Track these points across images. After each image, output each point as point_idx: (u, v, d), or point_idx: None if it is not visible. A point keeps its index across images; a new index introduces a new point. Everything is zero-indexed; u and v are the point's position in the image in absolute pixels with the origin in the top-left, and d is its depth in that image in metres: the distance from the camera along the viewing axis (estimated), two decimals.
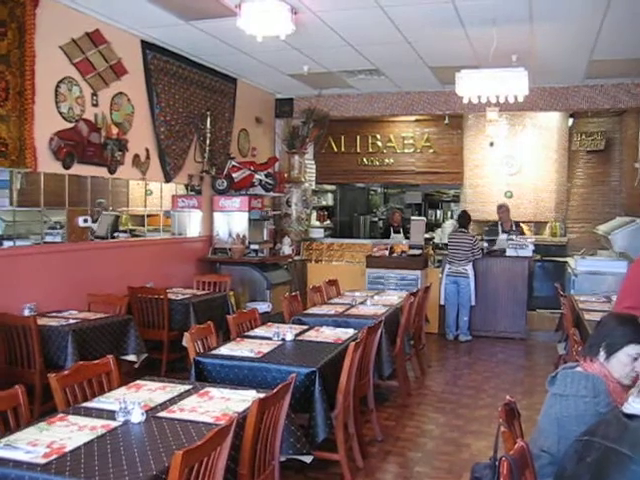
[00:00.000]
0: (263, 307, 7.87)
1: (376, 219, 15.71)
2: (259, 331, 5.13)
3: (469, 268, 8.99)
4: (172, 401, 3.28)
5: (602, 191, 12.66)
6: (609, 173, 12.73)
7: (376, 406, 5.39)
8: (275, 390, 3.08)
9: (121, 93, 6.98)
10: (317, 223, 12.20)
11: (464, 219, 9.35)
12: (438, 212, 15.99)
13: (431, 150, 12.62)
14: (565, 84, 9.54)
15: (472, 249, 8.97)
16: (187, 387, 3.55)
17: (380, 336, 5.30)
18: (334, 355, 4.39)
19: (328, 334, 5.07)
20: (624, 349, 2.64)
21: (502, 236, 9.55)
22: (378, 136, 12.85)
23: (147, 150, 7.44)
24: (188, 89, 8.16)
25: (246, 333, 5.08)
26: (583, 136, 12.63)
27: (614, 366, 2.65)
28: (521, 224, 10.49)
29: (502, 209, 10.09)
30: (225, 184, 8.70)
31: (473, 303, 9.05)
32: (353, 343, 4.22)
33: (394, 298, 7.12)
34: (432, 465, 4.82)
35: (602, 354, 2.65)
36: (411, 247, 9.55)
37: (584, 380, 2.58)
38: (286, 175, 10.13)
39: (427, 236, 10.87)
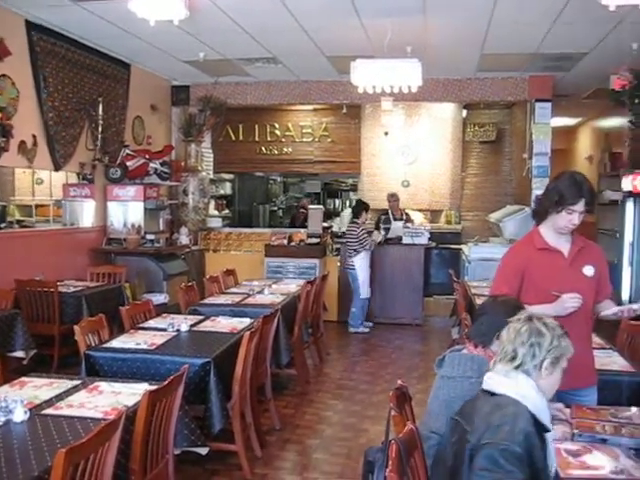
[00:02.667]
0: (160, 298, 7.71)
1: (275, 208, 15.69)
2: (153, 322, 5.02)
3: (356, 260, 8.86)
4: (59, 397, 3.15)
5: (494, 180, 13.15)
6: (500, 163, 13.24)
7: (275, 395, 5.40)
8: (166, 382, 3.01)
9: (4, 76, 6.61)
10: (215, 212, 12.04)
11: (356, 209, 9.30)
12: (337, 201, 16.15)
13: (329, 139, 12.69)
14: (458, 76, 9.81)
15: (358, 240, 8.84)
16: (76, 382, 3.42)
17: (277, 325, 5.30)
18: (230, 345, 4.35)
19: (224, 324, 5.02)
20: None
21: (396, 224, 9.72)
22: (276, 125, 12.80)
23: (34, 136, 7.08)
24: (78, 73, 7.83)
25: (140, 325, 4.95)
26: (476, 127, 13.07)
27: None
28: (408, 212, 10.75)
29: (393, 198, 10.30)
30: (119, 173, 8.44)
31: (362, 295, 8.92)
32: (248, 332, 4.19)
33: (292, 287, 7.13)
34: (330, 451, 4.87)
35: (496, 343, 2.72)
36: (309, 236, 9.60)
37: (470, 361, 2.66)
38: (183, 164, 9.95)
39: (326, 225, 10.95)
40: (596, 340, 4.52)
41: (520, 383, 2.21)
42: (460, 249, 10.38)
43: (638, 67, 7.89)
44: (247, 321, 5.08)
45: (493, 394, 2.24)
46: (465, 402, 2.37)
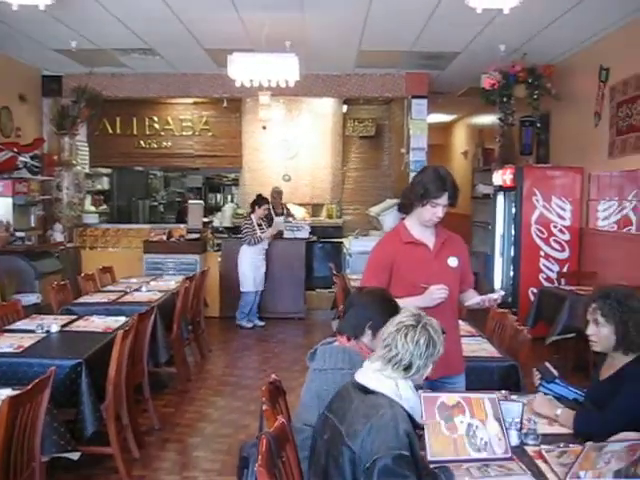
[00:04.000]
0: (31, 298, 7.33)
1: (156, 203, 15.33)
2: (21, 324, 4.79)
3: (240, 253, 8.75)
4: None
5: (374, 175, 13.42)
6: (380, 158, 13.53)
7: (154, 394, 5.28)
8: (29, 386, 2.86)
9: None
10: (92, 208, 11.61)
11: (252, 204, 9.02)
12: (219, 195, 15.97)
13: (210, 133, 12.54)
14: (338, 72, 9.93)
15: (242, 234, 8.72)
16: None
17: (154, 322, 5.18)
18: (103, 345, 4.21)
19: (98, 323, 4.86)
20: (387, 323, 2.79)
21: (278, 219, 9.73)
22: (155, 118, 12.50)
23: None
24: None
25: (6, 327, 4.70)
26: (356, 122, 13.29)
27: (379, 341, 2.78)
28: (289, 207, 10.82)
29: (276, 195, 10.33)
30: None
31: (242, 289, 8.77)
32: (121, 331, 4.07)
33: (171, 283, 7.01)
34: (211, 448, 4.82)
35: (368, 333, 2.76)
36: (189, 231, 9.45)
37: (341, 353, 2.69)
38: (55, 158, 9.52)
39: (206, 220, 10.81)
40: (467, 328, 4.72)
41: (400, 385, 2.23)
42: (341, 242, 10.52)
43: (506, 68, 8.28)
44: (123, 320, 4.94)
45: (366, 390, 2.23)
46: (334, 397, 2.37)
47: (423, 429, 2.33)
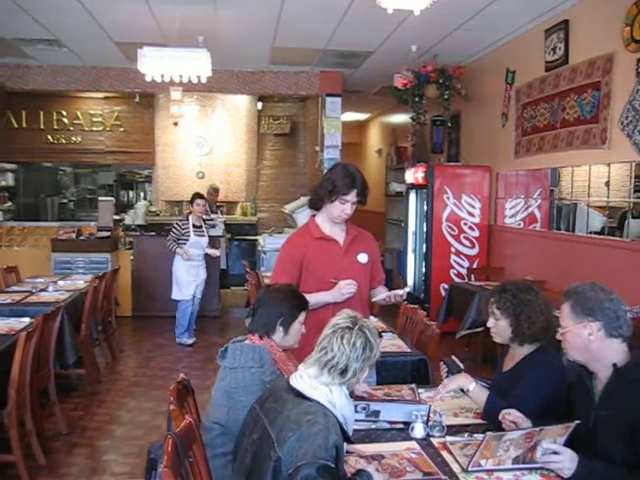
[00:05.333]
0: None
1: (66, 200, 14.86)
2: None
3: (175, 259, 7.87)
4: None
5: (289, 172, 13.45)
6: (295, 155, 13.56)
7: (62, 397, 5.13)
8: None
9: None
10: None
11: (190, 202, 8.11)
12: (131, 193, 15.63)
13: (122, 129, 12.26)
14: (252, 68, 9.87)
15: (170, 235, 7.82)
16: None
17: (61, 323, 5.01)
18: (5, 347, 4.04)
19: (0, 325, 4.66)
20: (297, 319, 2.80)
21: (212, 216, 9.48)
22: (64, 112, 12.12)
23: None
24: None
25: None
26: (271, 120, 13.28)
27: (291, 337, 2.79)
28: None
29: (213, 192, 10.22)
30: None
31: (175, 297, 7.90)
32: (25, 333, 3.92)
33: (80, 282, 6.80)
34: (121, 451, 4.70)
35: (280, 330, 2.76)
36: (100, 229, 9.19)
37: (251, 352, 2.67)
38: None
39: (118, 217, 10.56)
40: (378, 324, 4.79)
41: (335, 392, 2.18)
42: (256, 240, 10.50)
43: (418, 68, 8.44)
44: (27, 321, 4.76)
45: (302, 395, 2.18)
46: (267, 396, 2.32)
47: (353, 442, 2.32)
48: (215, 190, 10.36)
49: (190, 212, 7.95)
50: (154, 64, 6.39)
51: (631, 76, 5.45)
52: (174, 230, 7.73)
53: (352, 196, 3.21)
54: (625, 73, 5.55)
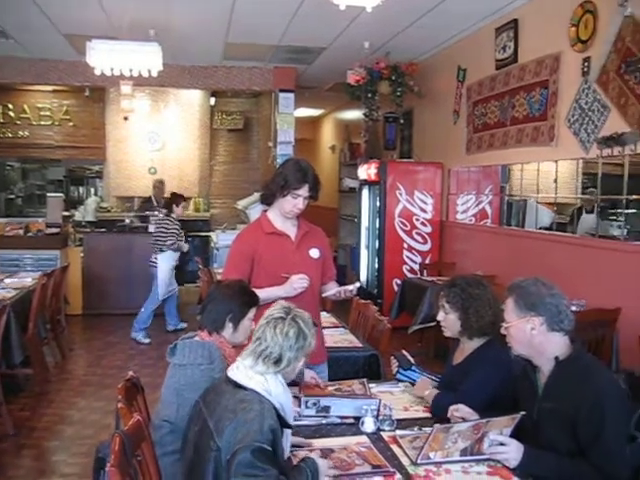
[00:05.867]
0: None
1: (13, 196, 14.52)
2: None
3: (160, 258, 7.83)
4: None
5: (242, 168, 13.38)
6: (248, 151, 13.50)
7: (9, 397, 5.02)
8: None
9: None
10: None
11: (168, 202, 8.16)
12: (81, 189, 15.34)
13: (71, 123, 12.04)
14: (204, 63, 9.79)
15: (166, 238, 7.78)
16: None
17: (7, 321, 4.90)
18: None
19: None
20: (247, 315, 2.78)
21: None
22: (10, 105, 11.83)
23: None
24: None
25: None
26: (224, 115, 13.19)
27: (241, 333, 2.78)
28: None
29: (159, 185, 10.10)
30: None
31: (161, 297, 7.92)
32: None
33: (28, 280, 6.65)
34: (71, 452, 4.62)
35: (229, 326, 2.74)
36: (48, 225, 9.00)
37: (201, 348, 2.65)
38: None
39: (67, 214, 10.36)
40: (330, 320, 4.81)
41: (270, 380, 2.21)
42: (209, 236, 10.42)
43: (371, 64, 8.48)
44: None
45: (239, 385, 2.21)
46: (209, 389, 2.34)
47: (292, 428, 2.32)
48: (161, 183, 10.24)
49: (170, 212, 7.99)
50: (103, 57, 6.30)
51: (577, 75, 5.57)
52: (174, 228, 7.85)
53: (304, 191, 3.22)
54: (572, 72, 5.67)
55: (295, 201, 3.23)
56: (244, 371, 2.24)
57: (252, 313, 2.81)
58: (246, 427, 2.03)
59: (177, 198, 8.07)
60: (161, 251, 7.82)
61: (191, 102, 12.23)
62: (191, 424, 2.32)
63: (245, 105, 13.36)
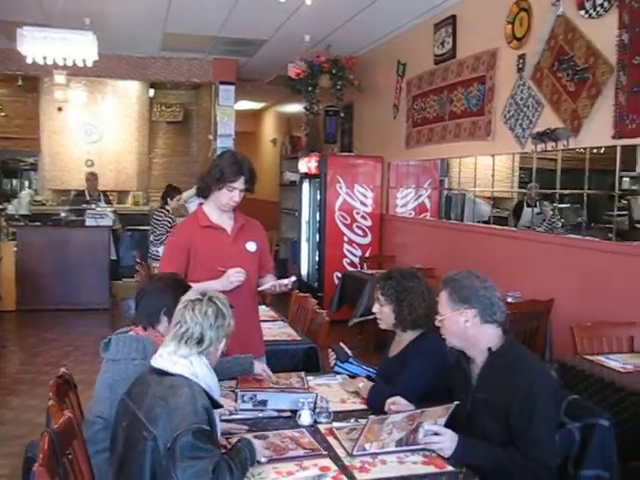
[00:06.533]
0: None
1: None
2: None
3: (161, 250, 7.29)
4: None
5: (182, 161, 13.21)
6: (188, 144, 13.34)
7: None
8: None
9: None
10: None
11: (165, 194, 7.93)
12: (15, 181, 14.89)
13: (3, 113, 11.66)
14: (142, 54, 9.62)
15: (166, 230, 7.51)
16: None
17: None
18: None
19: None
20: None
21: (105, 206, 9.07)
22: None
23: None
24: None
25: None
26: (163, 107, 13.00)
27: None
28: (107, 193, 10.41)
29: (91, 177, 9.88)
30: None
31: None
32: None
33: None
34: (1, 452, 4.48)
35: (164, 320, 2.70)
36: None
37: (135, 343, 2.61)
38: None
39: (0, 207, 10.05)
40: (269, 313, 4.80)
41: (195, 363, 2.21)
42: (148, 230, 10.26)
43: (311, 58, 8.47)
44: None
45: (164, 373, 2.20)
46: (134, 383, 2.31)
47: (222, 406, 2.33)
48: (93, 175, 10.05)
49: (165, 205, 7.72)
50: (36, 45, 6.11)
51: (513, 72, 5.69)
52: (166, 223, 7.53)
53: (240, 183, 3.20)
54: (508, 68, 5.78)
55: (231, 194, 3.21)
56: (168, 357, 2.23)
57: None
58: (180, 411, 2.03)
59: (172, 191, 7.85)
60: (161, 243, 7.47)
61: (129, 93, 11.99)
62: (118, 421, 2.29)
63: (185, 97, 13.18)
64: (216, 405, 2.21)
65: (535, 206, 6.84)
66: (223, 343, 2.32)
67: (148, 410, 2.11)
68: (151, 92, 12.51)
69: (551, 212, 6.56)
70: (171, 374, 2.19)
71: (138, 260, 7.34)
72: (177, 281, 2.81)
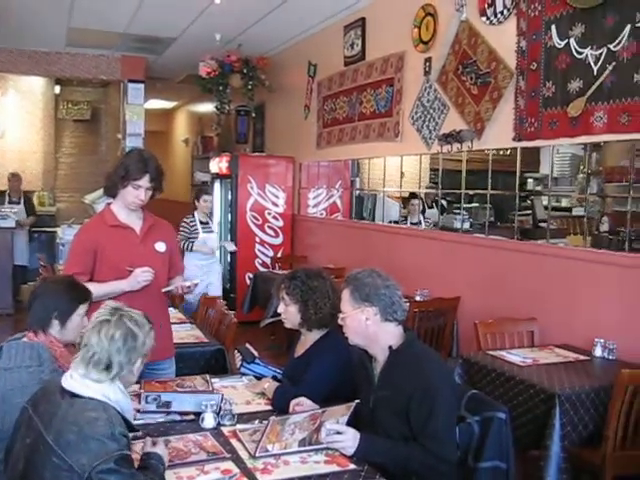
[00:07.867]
0: None
1: None
2: None
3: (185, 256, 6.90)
4: None
5: (90, 160, 12.79)
6: (97, 143, 12.95)
7: None
8: None
9: None
10: None
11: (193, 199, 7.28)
12: None
13: None
14: (47, 49, 9.30)
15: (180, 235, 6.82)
16: None
17: None
18: None
19: None
20: (76, 312, 2.64)
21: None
22: None
23: None
24: None
25: None
26: (70, 105, 12.57)
27: (70, 331, 2.62)
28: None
29: (15, 178, 9.50)
30: None
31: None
32: None
33: None
34: None
35: (56, 324, 2.59)
36: None
37: (28, 349, 2.49)
38: None
39: None
40: (178, 315, 4.73)
41: (108, 389, 2.09)
42: (55, 232, 9.92)
43: (222, 57, 8.40)
44: None
45: (75, 395, 2.06)
46: (40, 395, 2.17)
47: (138, 430, 2.26)
48: (14, 176, 9.65)
49: (196, 208, 7.07)
50: None
51: (420, 74, 5.81)
52: (183, 229, 6.91)
53: (145, 181, 3.14)
54: (415, 71, 5.90)
55: (137, 192, 3.15)
56: (80, 380, 2.09)
57: (83, 309, 2.65)
58: (97, 439, 1.92)
59: (197, 192, 7.27)
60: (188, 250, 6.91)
61: (33, 90, 11.54)
62: (19, 433, 2.14)
63: (93, 95, 12.79)
64: (132, 429, 2.13)
65: (431, 207, 7.04)
66: (139, 363, 2.19)
67: (57, 435, 1.96)
68: (57, 89, 12.08)
69: (420, 208, 6.74)
70: (83, 397, 2.06)
71: (42, 263, 7.08)
72: (72, 284, 2.69)
